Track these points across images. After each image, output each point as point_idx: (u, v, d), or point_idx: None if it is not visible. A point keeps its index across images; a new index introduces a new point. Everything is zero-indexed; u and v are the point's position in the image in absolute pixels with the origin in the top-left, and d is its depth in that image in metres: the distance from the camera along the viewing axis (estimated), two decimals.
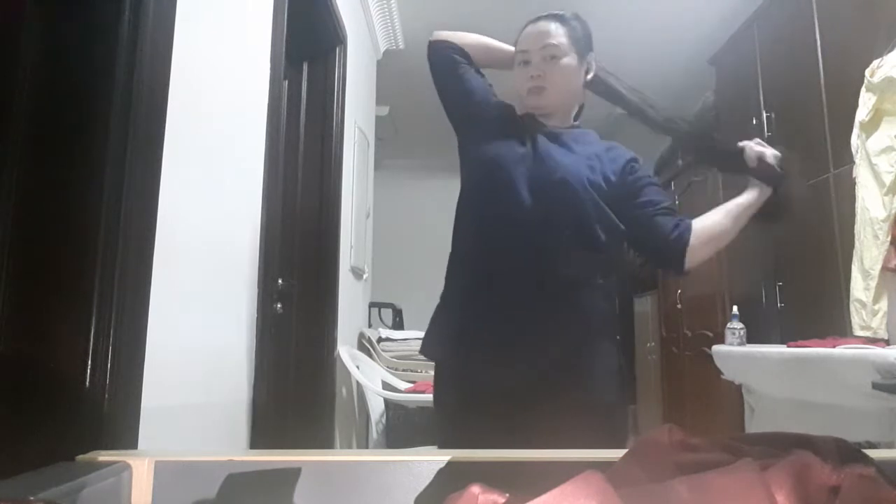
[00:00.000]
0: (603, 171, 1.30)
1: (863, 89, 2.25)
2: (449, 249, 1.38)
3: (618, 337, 1.33)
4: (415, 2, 3.41)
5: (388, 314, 4.56)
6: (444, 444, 1.31)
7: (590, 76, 1.39)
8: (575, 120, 1.43)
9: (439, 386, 1.36)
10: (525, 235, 1.25)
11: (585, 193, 1.25)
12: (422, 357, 3.36)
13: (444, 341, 1.33)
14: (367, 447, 2.95)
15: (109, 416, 0.88)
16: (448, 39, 1.45)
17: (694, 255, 1.31)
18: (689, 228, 1.30)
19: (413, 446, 2.65)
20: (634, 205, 1.31)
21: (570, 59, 1.34)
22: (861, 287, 2.21)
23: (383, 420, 2.86)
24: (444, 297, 1.37)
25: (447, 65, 1.44)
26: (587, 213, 1.26)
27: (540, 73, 1.33)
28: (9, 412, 0.85)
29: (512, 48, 1.44)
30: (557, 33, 1.34)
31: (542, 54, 1.33)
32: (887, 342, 2.10)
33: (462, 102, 1.43)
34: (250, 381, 1.59)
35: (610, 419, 1.23)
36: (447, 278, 1.37)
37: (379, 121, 3.98)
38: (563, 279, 1.24)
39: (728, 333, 2.79)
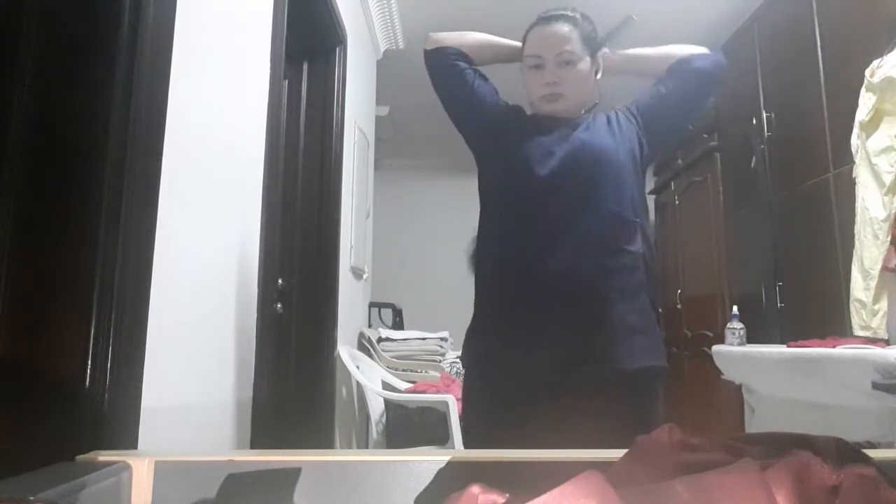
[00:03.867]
0: (628, 137, 1.33)
1: (863, 89, 2.25)
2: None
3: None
4: (415, 2, 3.41)
5: (388, 314, 4.56)
6: (486, 440, 1.30)
7: (599, 75, 1.40)
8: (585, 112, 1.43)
9: (483, 380, 1.33)
10: (569, 215, 1.25)
11: (619, 163, 1.29)
12: (422, 357, 3.39)
13: (493, 334, 1.31)
14: (367, 447, 2.95)
15: (109, 416, 0.88)
16: (445, 44, 1.41)
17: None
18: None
19: (413, 446, 2.65)
20: (660, 107, 1.36)
21: (583, 64, 1.34)
22: (861, 287, 2.21)
23: (383, 420, 2.86)
24: (482, 298, 1.36)
25: (450, 75, 1.40)
26: (624, 182, 1.28)
27: (556, 80, 1.32)
28: (9, 412, 0.85)
29: (514, 43, 1.43)
30: (571, 37, 1.32)
31: (557, 60, 1.32)
32: (887, 342, 2.10)
33: (474, 113, 1.40)
34: (250, 381, 1.59)
35: (658, 382, 1.28)
36: (483, 275, 1.36)
37: (379, 121, 3.98)
38: (609, 250, 1.25)
39: (728, 333, 2.79)
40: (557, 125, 1.34)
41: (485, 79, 1.43)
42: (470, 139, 1.43)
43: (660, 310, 1.35)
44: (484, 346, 1.32)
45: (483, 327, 1.33)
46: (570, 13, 1.35)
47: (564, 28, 1.33)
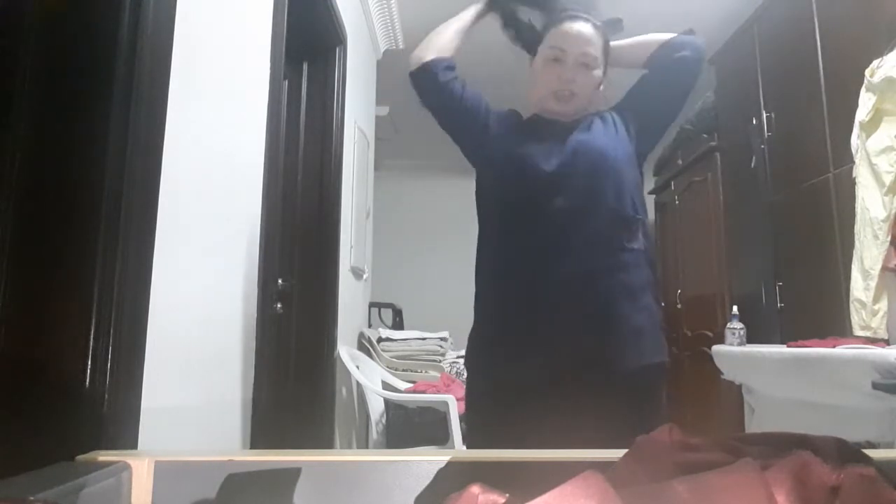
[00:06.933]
0: (623, 135, 1.34)
1: (863, 89, 2.25)
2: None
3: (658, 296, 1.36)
4: (415, 2, 3.40)
5: (388, 314, 4.56)
6: (490, 438, 1.31)
7: (601, 88, 1.40)
8: None
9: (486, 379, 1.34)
10: (571, 216, 1.25)
11: (617, 161, 1.29)
12: (422, 357, 3.39)
13: (498, 329, 1.32)
14: (367, 447, 2.95)
15: (109, 416, 0.88)
16: (427, 58, 1.41)
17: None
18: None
19: (413, 446, 2.65)
20: (647, 100, 1.37)
21: (598, 72, 1.35)
22: (861, 287, 2.21)
23: (383, 420, 2.86)
24: (484, 294, 1.36)
25: (441, 95, 1.40)
26: (624, 179, 1.29)
27: (573, 79, 1.32)
28: (9, 412, 0.85)
29: (472, 7, 1.47)
30: (595, 42, 1.33)
31: (579, 60, 1.32)
32: (887, 342, 2.10)
33: (470, 126, 1.40)
34: (250, 380, 1.59)
35: (661, 378, 1.31)
36: (484, 276, 1.37)
37: (379, 121, 3.98)
38: (612, 249, 1.26)
39: (728, 333, 2.79)
40: (556, 127, 1.35)
41: (467, 87, 1.43)
42: (468, 151, 1.44)
43: (662, 303, 1.37)
44: (488, 347, 1.32)
45: (487, 330, 1.34)
46: (593, 19, 1.35)
47: (590, 29, 1.33)
